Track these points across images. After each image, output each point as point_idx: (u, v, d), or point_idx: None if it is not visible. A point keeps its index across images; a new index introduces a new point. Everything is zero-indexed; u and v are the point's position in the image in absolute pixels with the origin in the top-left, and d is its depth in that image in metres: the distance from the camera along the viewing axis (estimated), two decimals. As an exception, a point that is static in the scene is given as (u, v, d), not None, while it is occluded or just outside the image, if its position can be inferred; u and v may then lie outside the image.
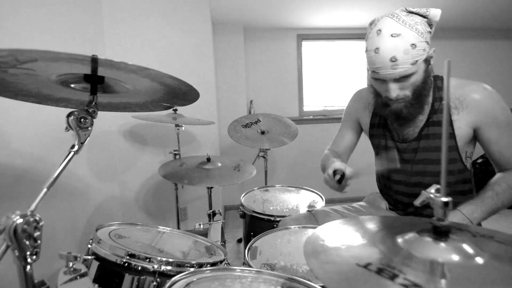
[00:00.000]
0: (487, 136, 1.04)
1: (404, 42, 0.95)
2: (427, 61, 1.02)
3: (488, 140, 1.05)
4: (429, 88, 1.07)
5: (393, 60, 0.96)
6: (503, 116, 1.03)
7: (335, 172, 1.03)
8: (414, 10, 0.99)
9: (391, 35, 0.96)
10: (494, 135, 1.04)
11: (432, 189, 0.50)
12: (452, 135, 1.05)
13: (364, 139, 1.36)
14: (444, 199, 0.48)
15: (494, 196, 1.00)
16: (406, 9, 1.00)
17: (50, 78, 0.71)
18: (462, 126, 1.04)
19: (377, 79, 1.04)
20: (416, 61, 0.97)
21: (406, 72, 0.98)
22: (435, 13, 1.00)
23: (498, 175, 1.06)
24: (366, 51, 1.03)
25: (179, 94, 0.85)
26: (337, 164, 1.05)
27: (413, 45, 0.95)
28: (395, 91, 1.02)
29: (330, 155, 1.29)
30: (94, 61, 0.60)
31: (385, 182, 1.26)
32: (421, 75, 1.01)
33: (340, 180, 1.02)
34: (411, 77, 1.00)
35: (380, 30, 0.98)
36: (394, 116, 1.08)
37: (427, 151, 1.10)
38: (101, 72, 0.69)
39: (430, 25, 1.01)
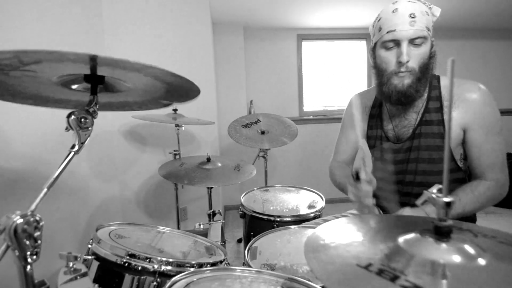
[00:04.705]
0: (471, 138, 1.03)
1: (421, 6, 1.00)
2: (431, 41, 1.04)
3: (471, 143, 1.04)
4: (430, 73, 1.05)
5: (412, 16, 0.97)
6: (492, 119, 1.02)
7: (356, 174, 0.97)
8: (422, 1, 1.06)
9: (408, 1, 1.01)
10: (479, 138, 1.02)
11: (434, 189, 0.50)
12: (443, 135, 1.05)
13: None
14: (446, 199, 0.48)
15: (470, 193, 0.99)
16: None
17: (51, 80, 0.71)
18: (452, 127, 1.04)
19: (389, 42, 1.01)
20: (428, 28, 1.00)
21: (421, 33, 0.98)
22: (436, 9, 1.06)
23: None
24: (379, 18, 1.04)
25: (179, 90, 0.84)
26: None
27: (427, 13, 1.00)
28: (408, 54, 0.98)
29: (344, 170, 1.27)
30: (94, 60, 0.60)
31: (378, 181, 1.26)
32: (428, 51, 1.02)
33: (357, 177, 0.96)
34: (422, 45, 0.99)
35: (396, 2, 1.02)
36: (399, 94, 1.02)
37: (419, 150, 1.10)
38: (101, 71, 0.69)
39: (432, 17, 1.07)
